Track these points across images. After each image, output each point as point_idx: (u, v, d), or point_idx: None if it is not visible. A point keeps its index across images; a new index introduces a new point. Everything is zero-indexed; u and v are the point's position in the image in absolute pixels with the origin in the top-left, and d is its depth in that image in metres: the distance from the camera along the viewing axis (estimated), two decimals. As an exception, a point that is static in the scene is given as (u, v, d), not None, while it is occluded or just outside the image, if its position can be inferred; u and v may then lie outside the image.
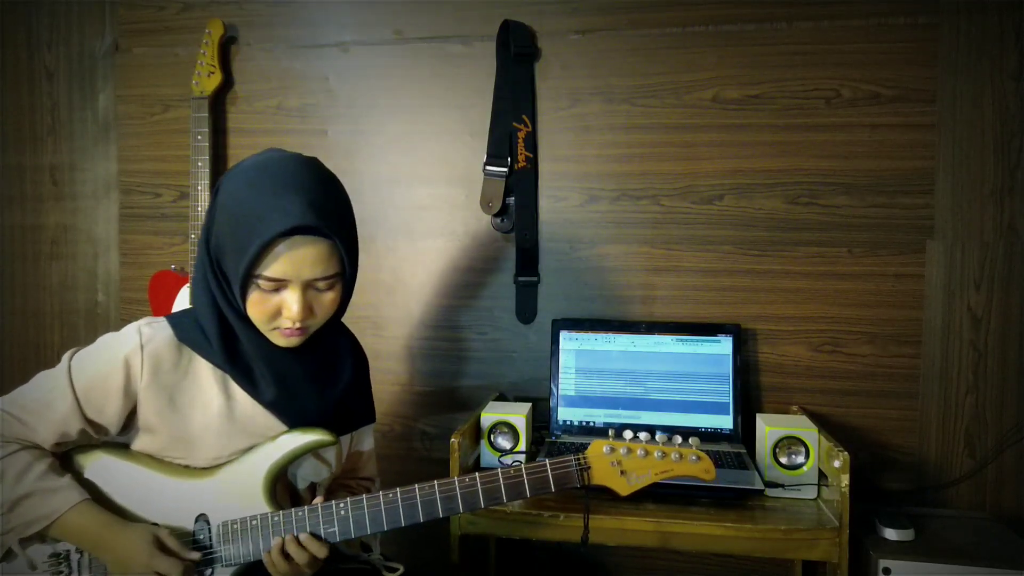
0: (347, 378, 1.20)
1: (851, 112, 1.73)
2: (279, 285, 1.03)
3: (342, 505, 1.10)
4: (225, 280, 1.07)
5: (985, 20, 1.67)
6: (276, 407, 1.11)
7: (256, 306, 1.04)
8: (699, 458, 1.14)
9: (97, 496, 1.09)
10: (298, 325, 1.05)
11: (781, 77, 1.76)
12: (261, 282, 1.02)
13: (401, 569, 1.22)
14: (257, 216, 1.00)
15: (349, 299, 1.14)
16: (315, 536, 1.08)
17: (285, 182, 1.02)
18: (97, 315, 2.16)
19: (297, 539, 1.07)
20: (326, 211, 1.02)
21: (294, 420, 1.12)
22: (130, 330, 1.10)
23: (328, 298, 1.08)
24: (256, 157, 1.07)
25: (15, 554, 1.08)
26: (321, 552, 1.07)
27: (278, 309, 1.05)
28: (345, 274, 1.09)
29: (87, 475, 1.11)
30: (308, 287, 1.05)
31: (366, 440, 1.32)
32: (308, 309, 1.05)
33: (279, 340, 1.09)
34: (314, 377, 1.15)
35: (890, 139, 1.72)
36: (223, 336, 1.09)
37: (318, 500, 1.11)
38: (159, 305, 1.99)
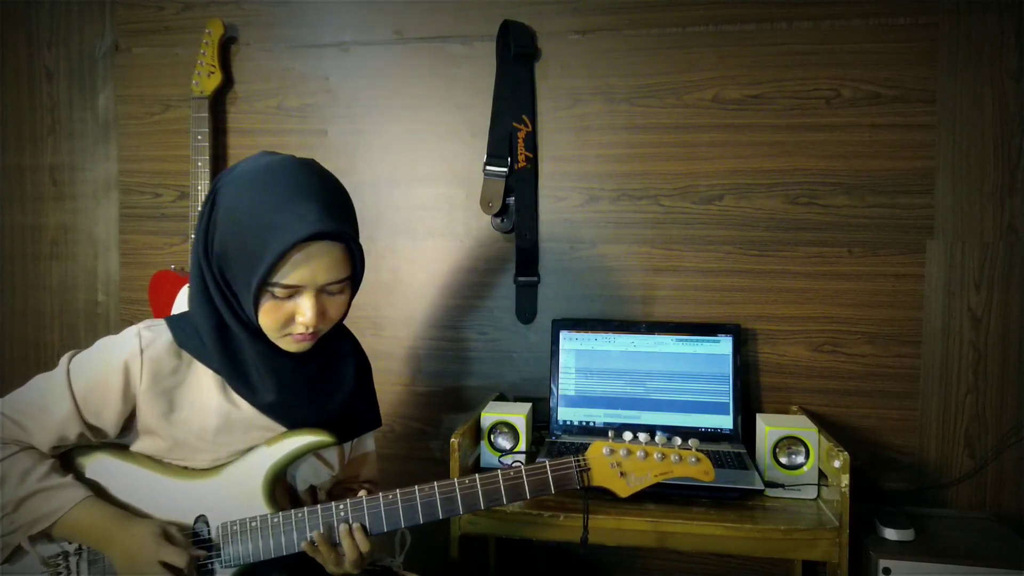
0: (350, 383, 1.19)
1: (851, 112, 1.73)
2: (294, 292, 1.03)
3: (341, 506, 1.10)
4: (229, 289, 1.06)
5: (985, 20, 1.67)
6: (275, 411, 1.11)
7: (269, 314, 1.04)
8: (699, 459, 1.14)
9: (99, 496, 1.09)
10: (311, 330, 1.05)
11: (781, 77, 1.76)
12: (276, 290, 1.02)
13: None
14: (270, 224, 0.98)
15: (352, 300, 1.14)
16: (363, 529, 1.09)
17: (296, 188, 1.01)
18: (97, 315, 2.16)
19: (350, 529, 1.08)
20: (339, 215, 1.03)
21: (294, 425, 1.12)
22: (129, 334, 1.09)
23: (339, 301, 1.08)
24: (253, 163, 1.05)
25: (21, 553, 1.08)
26: (365, 546, 1.08)
27: (291, 316, 1.04)
28: (355, 277, 1.09)
29: (87, 476, 1.11)
30: (321, 291, 1.05)
31: (367, 443, 1.32)
32: (322, 313, 1.05)
33: (290, 346, 1.08)
34: (316, 382, 1.14)
35: (890, 139, 1.72)
36: (221, 342, 1.08)
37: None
38: (159, 305, 1.99)
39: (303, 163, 1.06)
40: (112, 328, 2.13)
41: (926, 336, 1.73)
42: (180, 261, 2.05)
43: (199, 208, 1.88)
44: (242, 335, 1.08)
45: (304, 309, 1.03)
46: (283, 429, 1.12)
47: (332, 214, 1.01)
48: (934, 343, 1.73)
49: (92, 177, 2.14)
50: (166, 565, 1.03)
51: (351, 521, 1.09)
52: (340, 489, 1.31)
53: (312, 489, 1.19)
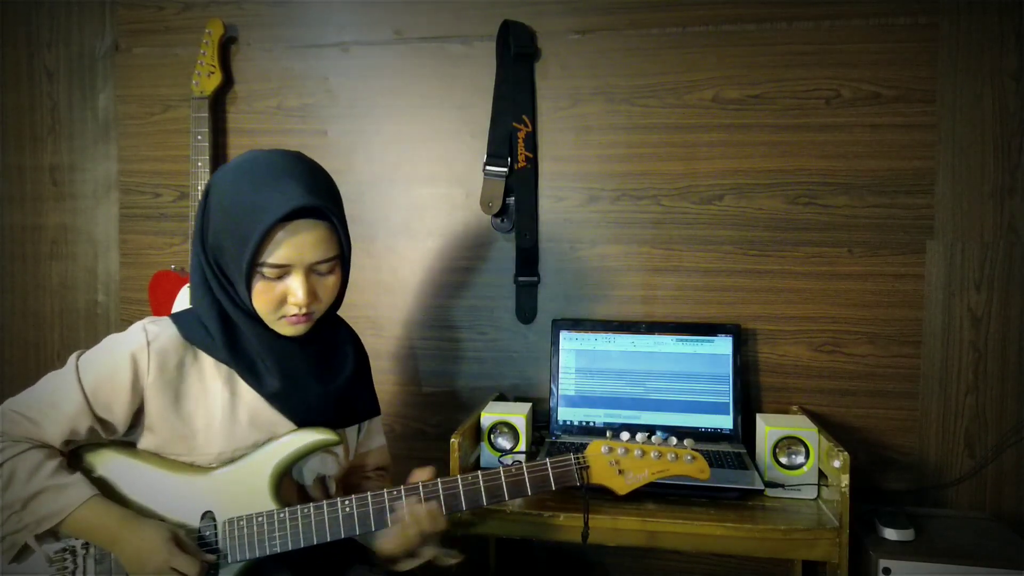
0: (350, 368, 1.22)
1: (851, 112, 1.73)
2: (283, 272, 1.06)
3: (347, 502, 1.11)
4: (226, 278, 1.10)
5: (985, 20, 1.67)
6: (280, 399, 1.13)
7: (261, 296, 1.07)
8: (694, 458, 1.17)
9: (106, 493, 1.10)
10: (304, 311, 1.08)
11: (781, 77, 1.76)
12: (265, 270, 1.05)
13: None
14: (254, 206, 1.02)
15: (346, 286, 1.17)
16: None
17: (277, 172, 1.05)
18: (97, 315, 2.16)
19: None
20: (321, 193, 1.06)
21: (298, 412, 1.14)
22: (136, 328, 1.12)
23: (330, 281, 1.11)
24: (242, 158, 1.10)
25: (28, 552, 1.09)
26: (440, 525, 1.11)
27: (283, 297, 1.07)
28: (344, 256, 1.12)
29: (96, 473, 1.12)
30: (310, 272, 1.08)
31: (375, 438, 1.35)
32: (313, 293, 1.08)
33: (286, 329, 1.11)
34: (317, 368, 1.17)
35: (890, 139, 1.72)
36: (226, 332, 1.11)
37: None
38: (159, 305, 1.99)
39: (287, 152, 1.11)
40: (112, 328, 2.13)
41: (926, 336, 1.73)
42: (180, 261, 2.05)
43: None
44: (243, 323, 1.11)
45: (295, 289, 1.06)
46: (287, 423, 1.14)
47: (313, 191, 1.04)
48: (934, 343, 1.73)
49: (92, 177, 2.14)
50: (177, 572, 1.04)
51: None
52: (358, 478, 1.33)
53: (323, 480, 1.20)
